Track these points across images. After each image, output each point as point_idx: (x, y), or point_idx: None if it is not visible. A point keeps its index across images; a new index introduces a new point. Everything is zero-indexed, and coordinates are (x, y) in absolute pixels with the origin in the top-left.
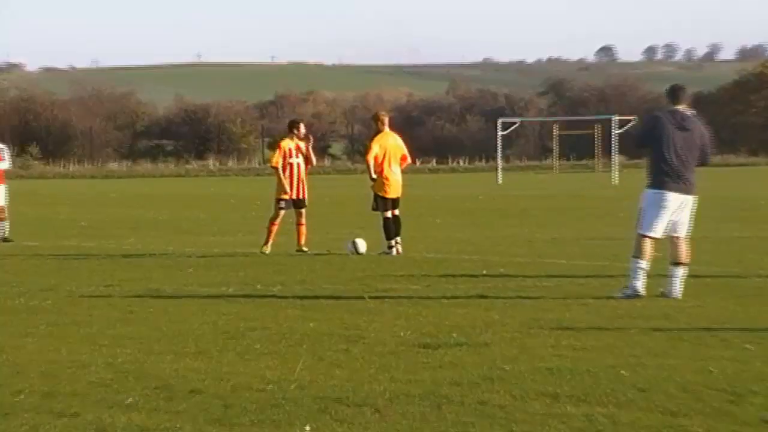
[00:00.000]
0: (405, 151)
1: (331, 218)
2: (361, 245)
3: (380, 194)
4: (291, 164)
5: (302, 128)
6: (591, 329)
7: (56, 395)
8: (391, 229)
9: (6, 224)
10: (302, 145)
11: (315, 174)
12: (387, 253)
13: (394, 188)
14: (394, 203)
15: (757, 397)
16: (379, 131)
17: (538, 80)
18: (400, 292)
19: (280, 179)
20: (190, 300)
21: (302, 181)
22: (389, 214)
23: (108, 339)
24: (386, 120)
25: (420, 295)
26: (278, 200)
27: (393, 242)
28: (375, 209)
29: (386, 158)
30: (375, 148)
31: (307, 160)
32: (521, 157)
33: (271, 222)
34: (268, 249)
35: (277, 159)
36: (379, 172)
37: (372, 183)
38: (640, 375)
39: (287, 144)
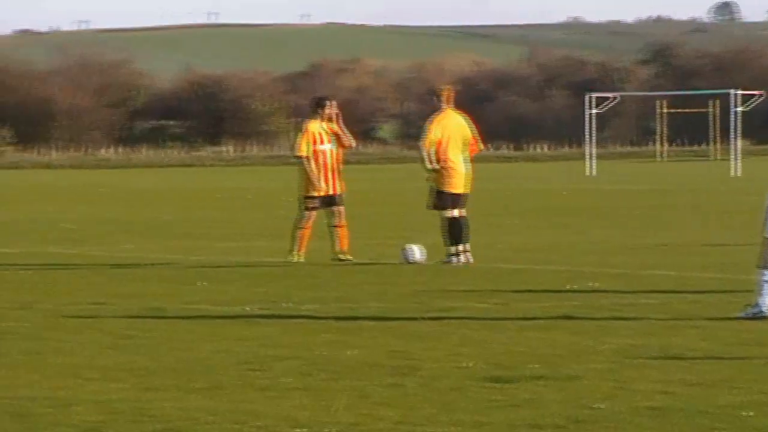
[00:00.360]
0: (474, 134)
1: (378, 219)
2: (418, 252)
3: (441, 189)
4: (322, 152)
5: (331, 107)
6: (706, 359)
7: None
8: (456, 232)
9: None
10: (334, 126)
11: (357, 163)
12: (448, 262)
13: (459, 181)
14: (459, 201)
15: None
16: (439, 110)
17: (638, 45)
18: (464, 312)
19: (308, 172)
20: (199, 321)
21: (336, 172)
22: (451, 213)
23: (97, 371)
24: (449, 95)
25: (490, 315)
26: (307, 198)
27: (456, 249)
28: (433, 207)
29: (449, 144)
30: (434, 131)
31: (340, 143)
32: (618, 142)
33: (297, 226)
34: (299, 256)
35: (304, 146)
36: (441, 160)
37: (429, 175)
38: None
39: (315, 127)
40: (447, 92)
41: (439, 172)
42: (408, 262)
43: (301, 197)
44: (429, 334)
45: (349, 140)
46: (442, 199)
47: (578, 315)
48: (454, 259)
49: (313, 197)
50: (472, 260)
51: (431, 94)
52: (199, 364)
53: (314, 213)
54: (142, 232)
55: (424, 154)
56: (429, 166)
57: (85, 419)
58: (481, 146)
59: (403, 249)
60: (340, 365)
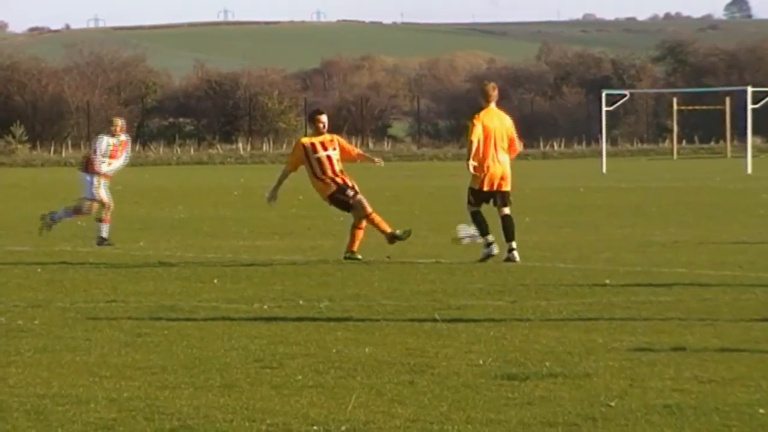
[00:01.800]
0: (514, 134)
1: (392, 216)
2: (466, 230)
3: (475, 187)
4: (318, 160)
5: (323, 119)
6: (719, 356)
7: None
8: (482, 223)
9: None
10: (336, 139)
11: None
12: (488, 253)
13: (492, 180)
14: (503, 199)
15: None
16: (482, 107)
17: (652, 42)
18: (478, 310)
19: (277, 182)
20: (214, 319)
21: (341, 171)
22: (480, 208)
23: (111, 369)
24: (492, 94)
25: (503, 313)
26: (333, 196)
27: (491, 237)
28: (468, 203)
29: (489, 142)
30: (479, 128)
31: (346, 154)
32: (631, 139)
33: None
34: (352, 254)
35: (291, 159)
36: (482, 158)
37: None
38: None
39: (308, 140)
40: (491, 90)
41: (477, 170)
42: (461, 240)
43: (328, 199)
44: (442, 331)
45: (354, 152)
46: (474, 197)
47: (591, 313)
48: (494, 247)
49: (339, 189)
50: (516, 258)
51: (479, 93)
52: (213, 361)
53: (358, 197)
54: (155, 230)
55: (473, 148)
56: (473, 163)
57: (99, 417)
58: (520, 146)
59: (465, 227)
60: (353, 363)
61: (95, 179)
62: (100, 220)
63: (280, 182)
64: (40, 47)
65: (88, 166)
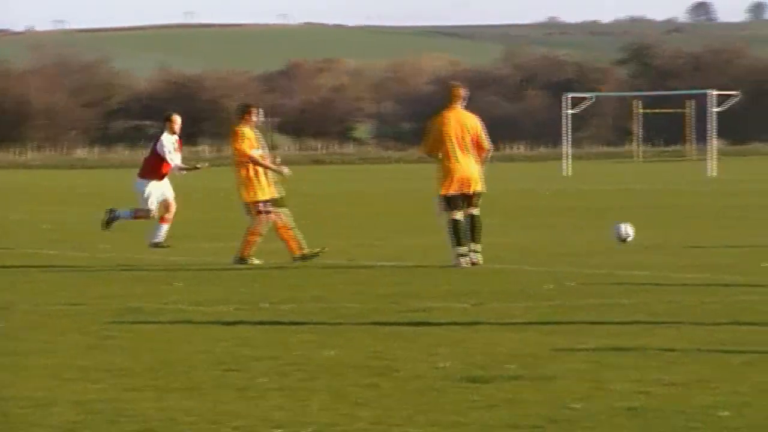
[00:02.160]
0: (479, 134)
1: (356, 219)
2: (625, 228)
3: (441, 193)
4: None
5: (259, 113)
6: (684, 359)
7: None
8: (456, 233)
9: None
10: (260, 135)
11: (335, 163)
12: (456, 265)
13: (458, 181)
14: (471, 200)
15: None
16: (445, 108)
17: (616, 45)
18: (442, 313)
19: (272, 168)
20: (178, 322)
21: (271, 176)
22: (453, 215)
23: (75, 371)
24: (453, 94)
25: (467, 315)
26: (255, 203)
27: (461, 250)
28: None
29: (449, 145)
30: (428, 135)
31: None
32: (595, 142)
33: (252, 232)
34: (255, 259)
35: (247, 149)
36: (445, 165)
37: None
38: (745, 417)
39: (249, 132)
40: (454, 91)
41: (439, 175)
42: (620, 238)
43: (250, 203)
44: (406, 334)
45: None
46: (443, 203)
47: (555, 315)
48: (462, 260)
49: (264, 201)
50: (478, 261)
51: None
52: (177, 364)
53: (270, 216)
54: (119, 233)
55: (429, 154)
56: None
57: (63, 420)
58: (487, 146)
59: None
60: (317, 365)
61: (147, 187)
62: (162, 220)
63: (268, 166)
64: (4, 49)
65: (149, 170)
